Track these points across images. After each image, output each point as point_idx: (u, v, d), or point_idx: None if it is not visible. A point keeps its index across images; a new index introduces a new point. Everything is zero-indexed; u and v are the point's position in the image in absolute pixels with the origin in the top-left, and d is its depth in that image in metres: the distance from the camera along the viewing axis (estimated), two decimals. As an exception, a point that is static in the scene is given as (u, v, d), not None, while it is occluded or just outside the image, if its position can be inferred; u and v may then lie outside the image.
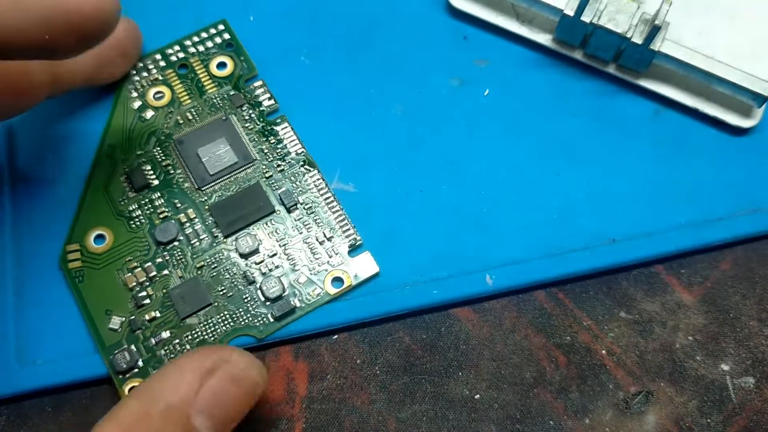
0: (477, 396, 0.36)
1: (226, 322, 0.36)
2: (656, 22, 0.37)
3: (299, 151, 0.40)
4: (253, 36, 0.43)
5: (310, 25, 0.44)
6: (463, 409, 0.36)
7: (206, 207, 0.38)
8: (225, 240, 0.38)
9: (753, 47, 0.40)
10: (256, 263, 0.37)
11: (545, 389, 0.36)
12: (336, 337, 0.38)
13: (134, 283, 0.37)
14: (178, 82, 0.41)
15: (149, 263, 0.37)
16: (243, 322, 0.36)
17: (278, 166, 0.39)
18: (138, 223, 0.38)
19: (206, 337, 0.36)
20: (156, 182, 0.39)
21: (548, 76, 0.42)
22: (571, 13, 0.39)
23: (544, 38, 0.42)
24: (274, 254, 0.37)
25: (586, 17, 0.39)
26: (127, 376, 0.35)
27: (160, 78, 0.41)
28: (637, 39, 0.38)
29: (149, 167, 0.39)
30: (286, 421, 0.36)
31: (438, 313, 0.38)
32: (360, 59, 0.43)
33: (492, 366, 0.37)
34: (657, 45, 0.38)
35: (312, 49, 0.43)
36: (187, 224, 0.38)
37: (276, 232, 0.38)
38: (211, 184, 0.39)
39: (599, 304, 0.38)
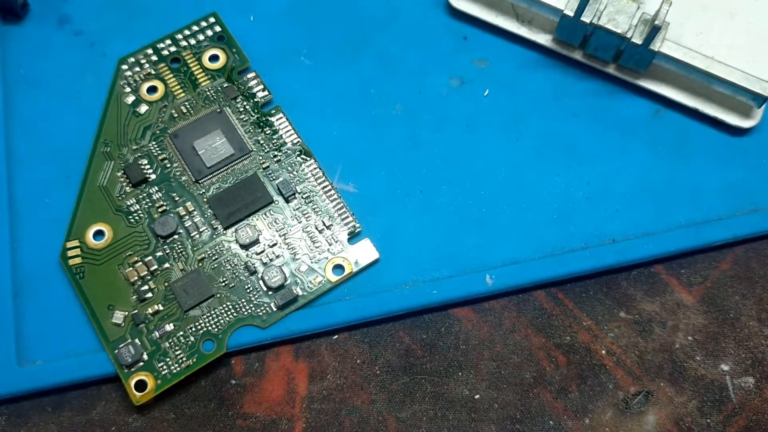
0: (477, 396, 0.37)
1: (229, 312, 0.37)
2: (656, 22, 0.38)
3: (295, 141, 0.40)
4: (253, 36, 0.44)
5: (310, 25, 0.45)
6: (463, 409, 0.37)
7: (204, 199, 0.39)
8: (225, 232, 0.38)
9: (753, 47, 0.42)
10: (257, 253, 0.38)
11: (545, 389, 0.37)
12: (336, 337, 0.38)
13: (135, 278, 0.37)
14: (171, 76, 0.42)
15: (150, 257, 0.38)
16: (246, 312, 0.37)
17: (275, 156, 0.40)
18: (137, 217, 0.39)
19: (210, 328, 0.37)
20: (153, 176, 0.40)
21: (548, 76, 0.43)
22: (571, 13, 0.40)
23: (544, 38, 0.43)
24: (275, 244, 0.38)
25: (586, 17, 0.40)
26: (133, 369, 0.36)
27: (153, 72, 0.42)
28: (637, 39, 0.40)
29: (146, 161, 0.40)
30: (286, 421, 0.37)
31: (438, 313, 0.39)
32: (360, 59, 0.44)
33: (492, 366, 0.38)
34: (657, 45, 0.40)
35: (312, 49, 0.44)
36: (186, 217, 0.39)
37: (275, 222, 0.39)
38: (209, 177, 0.39)
39: (599, 304, 0.39)
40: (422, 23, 0.45)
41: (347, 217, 0.39)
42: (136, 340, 0.36)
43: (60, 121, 0.42)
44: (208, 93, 0.41)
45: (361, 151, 0.42)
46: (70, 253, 0.38)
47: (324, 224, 0.39)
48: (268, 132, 0.41)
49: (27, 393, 0.37)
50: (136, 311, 0.37)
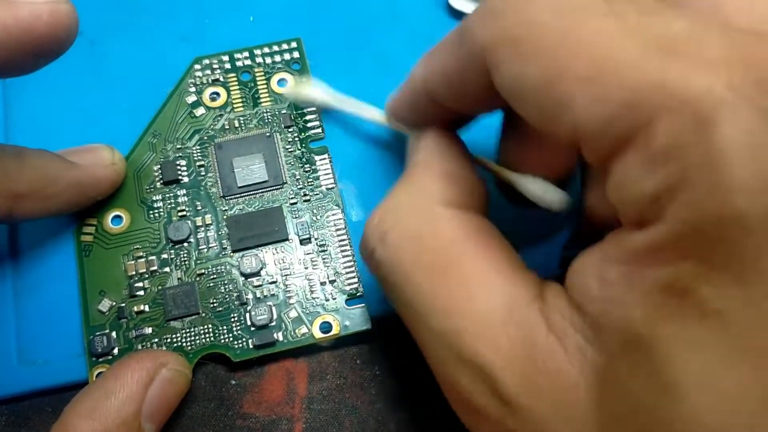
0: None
1: (207, 334, 0.37)
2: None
3: (330, 186, 0.41)
4: (253, 36, 0.44)
5: (309, 25, 0.45)
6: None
7: (224, 217, 0.39)
8: (232, 254, 0.39)
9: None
10: (254, 286, 0.38)
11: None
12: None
13: (134, 272, 0.38)
14: (237, 88, 0.43)
15: (154, 257, 0.39)
16: (223, 340, 0.37)
17: (305, 195, 0.40)
18: (157, 214, 0.39)
19: (184, 344, 0.37)
20: (186, 180, 0.40)
21: (547, 75, 0.43)
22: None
23: (543, 38, 0.43)
24: (274, 282, 0.38)
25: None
26: (100, 360, 0.36)
27: (221, 79, 0.43)
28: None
29: (184, 163, 0.41)
30: (286, 421, 0.37)
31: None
32: (360, 59, 0.44)
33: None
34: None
35: (311, 50, 0.44)
36: (202, 229, 0.39)
37: (282, 260, 0.39)
38: (236, 196, 0.40)
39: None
40: (422, 23, 0.45)
41: (353, 277, 0.39)
42: (113, 333, 0.37)
43: (59, 121, 0.42)
44: (265, 114, 0.42)
45: (361, 150, 0.42)
46: (85, 230, 0.39)
47: (328, 278, 0.39)
48: (308, 169, 0.41)
49: (27, 393, 0.37)
50: (123, 305, 0.38)
